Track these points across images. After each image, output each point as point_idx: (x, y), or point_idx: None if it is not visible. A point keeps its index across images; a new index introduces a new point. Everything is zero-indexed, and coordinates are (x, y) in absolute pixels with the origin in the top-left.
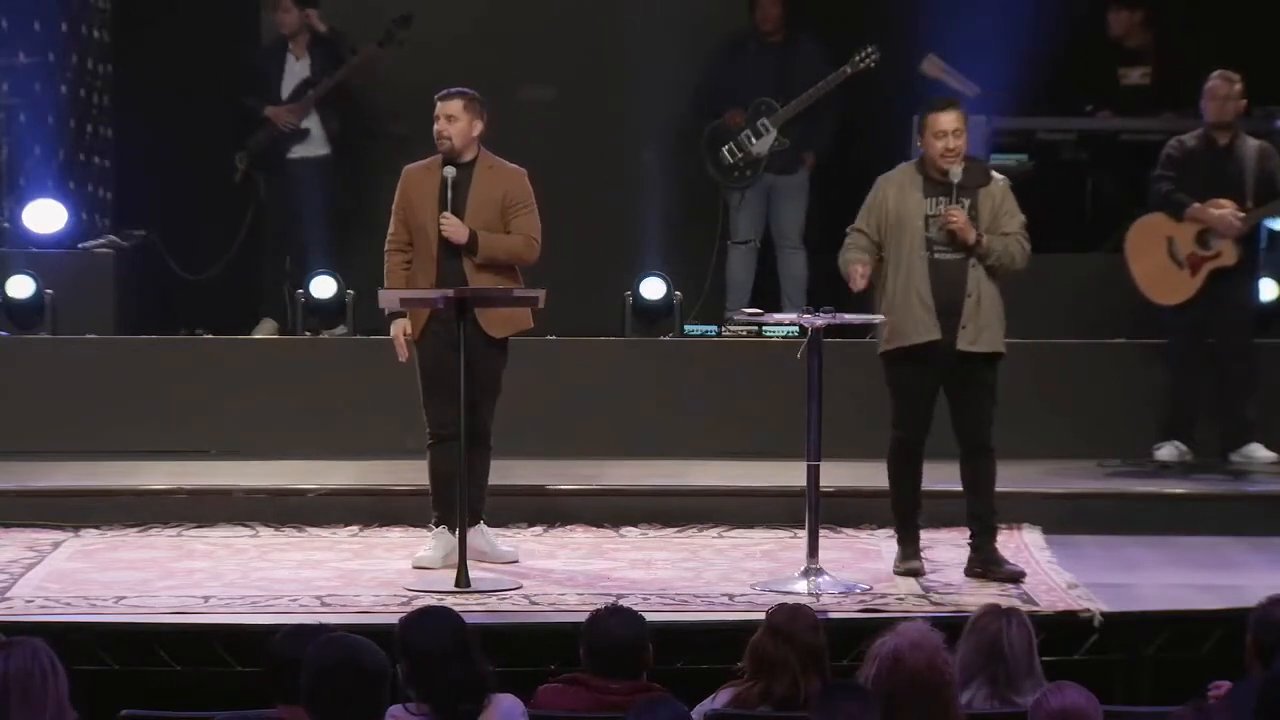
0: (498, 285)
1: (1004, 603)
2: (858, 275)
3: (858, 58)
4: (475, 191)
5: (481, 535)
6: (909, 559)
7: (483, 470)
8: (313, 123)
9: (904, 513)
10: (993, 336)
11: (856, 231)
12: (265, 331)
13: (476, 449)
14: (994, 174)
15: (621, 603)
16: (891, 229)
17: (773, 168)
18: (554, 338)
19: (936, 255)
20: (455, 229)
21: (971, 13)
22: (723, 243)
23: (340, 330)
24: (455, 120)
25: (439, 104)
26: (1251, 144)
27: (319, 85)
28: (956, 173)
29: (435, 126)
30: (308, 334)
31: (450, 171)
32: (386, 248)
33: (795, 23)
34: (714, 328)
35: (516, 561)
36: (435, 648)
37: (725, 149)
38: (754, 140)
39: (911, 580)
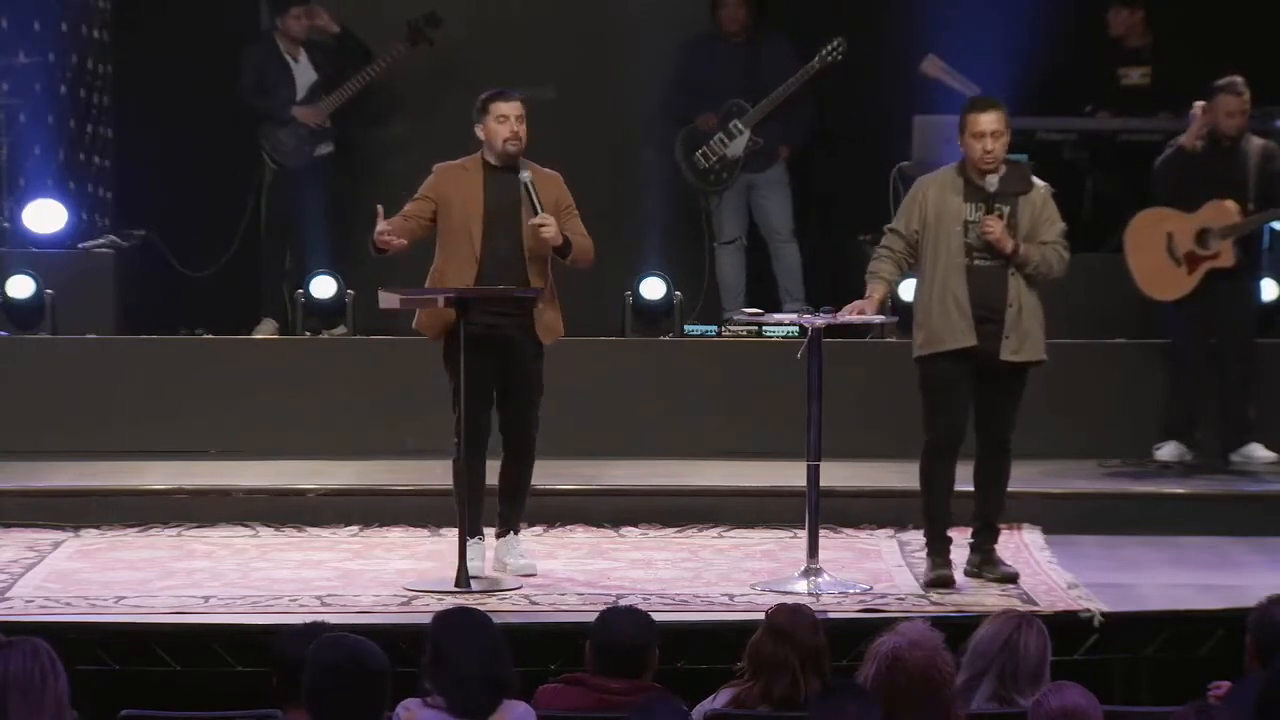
0: (550, 295)
1: (1004, 603)
2: (858, 307)
3: (824, 51)
4: (531, 178)
5: (506, 544)
6: (939, 568)
7: (527, 481)
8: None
9: (935, 519)
10: (1034, 345)
11: (892, 233)
12: (265, 331)
13: (524, 459)
14: (1035, 180)
15: (622, 603)
16: (929, 234)
17: (749, 167)
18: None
19: (975, 262)
20: (555, 232)
21: (971, 13)
22: (710, 244)
23: (340, 330)
24: (523, 121)
25: (505, 104)
26: (1255, 144)
27: (346, 84)
28: (993, 181)
29: (505, 127)
30: (308, 334)
31: (526, 176)
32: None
33: (761, 22)
34: (714, 328)
35: (534, 575)
36: (464, 642)
37: (699, 153)
38: (727, 142)
39: (911, 580)
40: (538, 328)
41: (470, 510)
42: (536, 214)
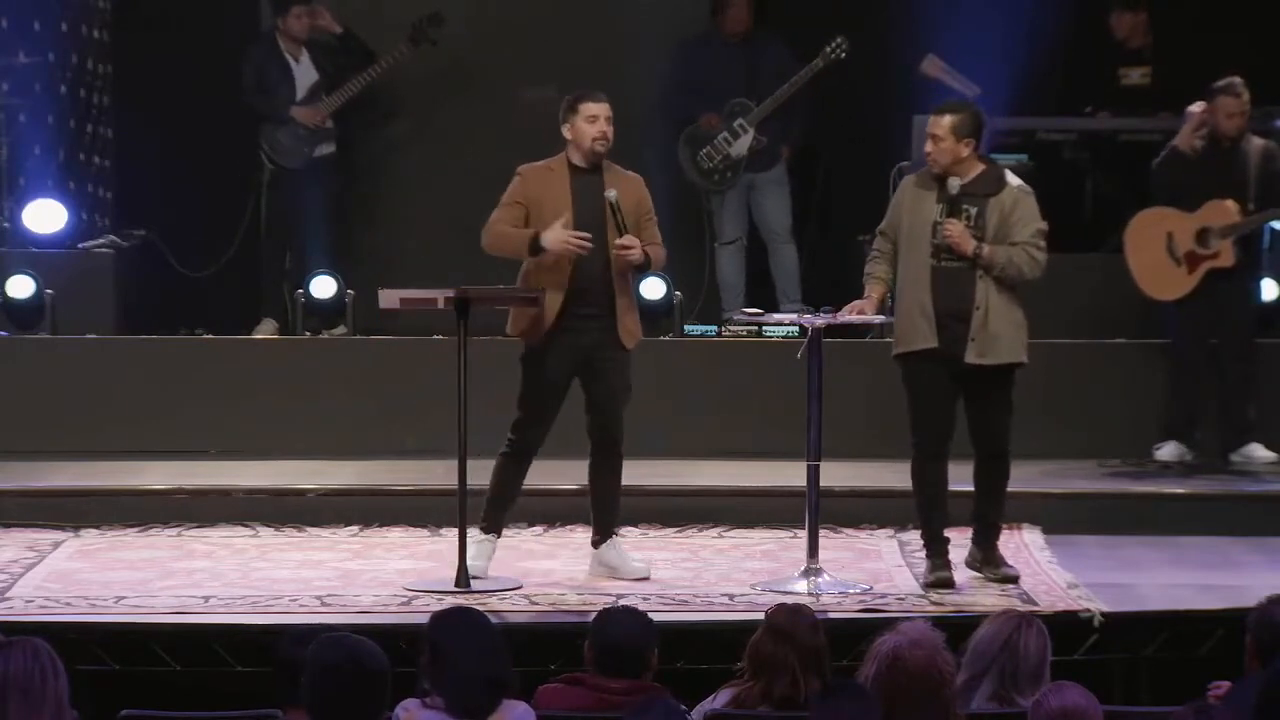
0: (629, 301)
1: (1004, 603)
2: (857, 307)
3: (828, 49)
4: (617, 197)
5: (614, 549)
6: (939, 569)
7: (619, 484)
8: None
9: (930, 521)
10: (1006, 347)
11: (880, 234)
12: (265, 331)
13: (612, 461)
14: (1009, 180)
15: (622, 603)
16: (904, 233)
17: (751, 166)
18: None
19: (943, 263)
20: (640, 255)
21: (971, 13)
22: (710, 244)
23: (340, 330)
24: (611, 122)
25: (595, 104)
26: (1256, 144)
27: (347, 84)
28: (954, 184)
29: (594, 127)
30: (308, 334)
31: (612, 195)
32: (486, 228)
33: (760, 22)
34: (714, 328)
35: (648, 578)
36: (462, 643)
37: (703, 152)
38: (732, 142)
39: (911, 580)
40: (620, 331)
41: (496, 509)
42: (622, 233)
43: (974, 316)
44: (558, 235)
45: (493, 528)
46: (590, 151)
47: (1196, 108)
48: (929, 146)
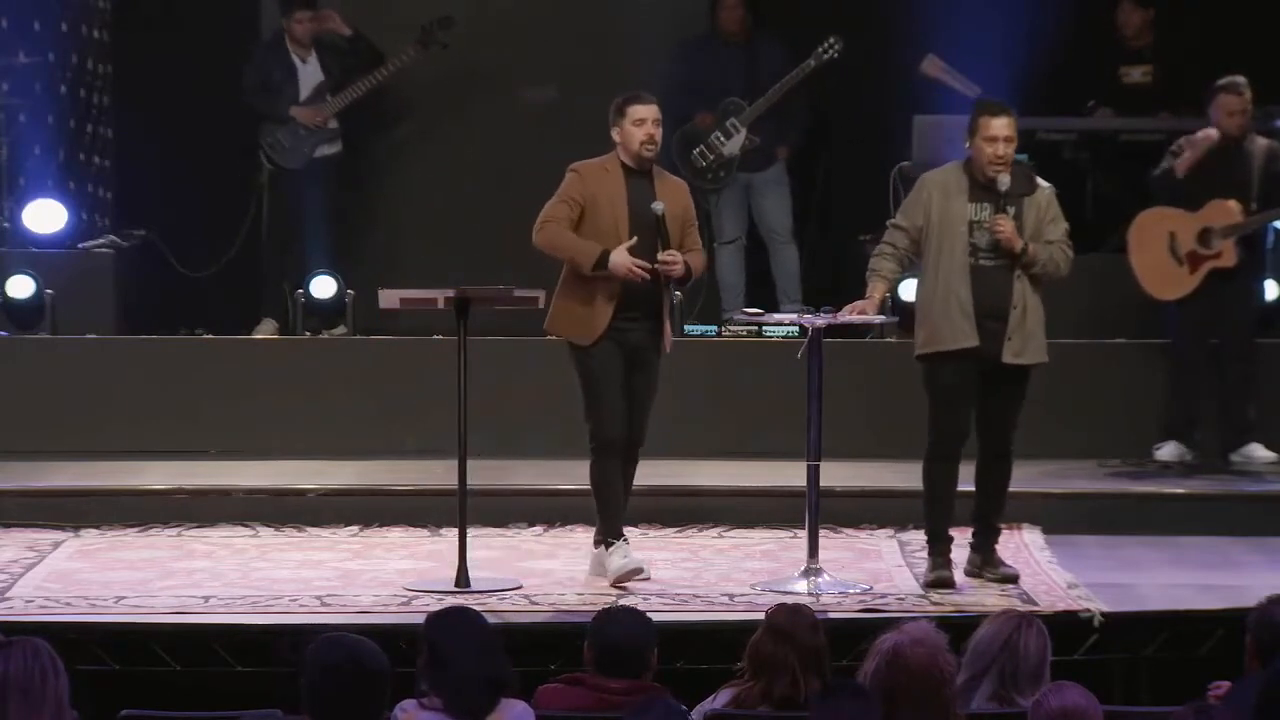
0: (669, 307)
1: (1004, 603)
2: (858, 308)
3: (821, 49)
4: (665, 209)
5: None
6: (940, 568)
7: (630, 485)
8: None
9: (936, 520)
10: (1037, 347)
11: (895, 229)
12: (265, 331)
13: (630, 464)
14: (1039, 181)
15: (622, 603)
16: (933, 232)
17: (747, 166)
18: (555, 338)
19: (981, 261)
20: (682, 269)
21: (971, 13)
22: (709, 244)
23: (340, 330)
24: (659, 125)
25: (643, 107)
26: (1260, 144)
27: (353, 85)
28: (1005, 181)
29: (641, 130)
30: (308, 334)
31: (659, 207)
32: (545, 223)
33: (759, 22)
34: (714, 328)
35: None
36: (460, 643)
37: (696, 151)
38: (724, 141)
39: (911, 580)
40: (661, 336)
41: (606, 515)
42: (666, 245)
43: (1011, 315)
44: (625, 260)
45: (614, 534)
46: (638, 155)
47: (1206, 134)
48: (1002, 149)
